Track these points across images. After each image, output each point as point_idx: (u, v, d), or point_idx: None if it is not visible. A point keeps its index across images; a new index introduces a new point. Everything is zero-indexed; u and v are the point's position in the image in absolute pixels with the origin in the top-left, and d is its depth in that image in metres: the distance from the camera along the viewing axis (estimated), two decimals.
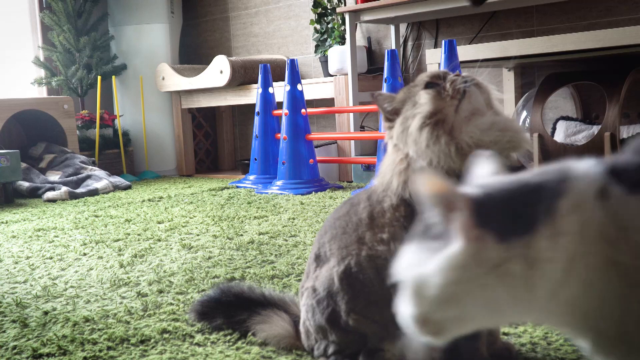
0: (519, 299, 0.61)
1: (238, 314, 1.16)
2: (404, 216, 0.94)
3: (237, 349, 1.11)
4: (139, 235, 2.17)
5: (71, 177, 3.56)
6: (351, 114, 3.45)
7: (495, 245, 0.60)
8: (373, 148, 3.66)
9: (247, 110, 4.49)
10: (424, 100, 0.95)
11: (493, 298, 0.61)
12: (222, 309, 1.18)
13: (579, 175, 0.62)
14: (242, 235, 2.10)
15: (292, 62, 3.22)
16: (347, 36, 3.35)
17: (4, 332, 1.26)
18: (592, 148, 2.62)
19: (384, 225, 0.95)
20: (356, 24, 3.50)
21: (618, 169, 0.62)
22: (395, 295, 0.74)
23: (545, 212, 0.60)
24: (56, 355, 1.12)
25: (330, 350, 0.99)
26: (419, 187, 0.62)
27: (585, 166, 0.63)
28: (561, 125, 2.94)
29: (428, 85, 0.97)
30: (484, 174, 0.72)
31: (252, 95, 3.80)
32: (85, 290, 1.53)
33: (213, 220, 2.40)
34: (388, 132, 1.00)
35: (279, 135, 3.33)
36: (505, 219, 0.61)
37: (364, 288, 0.94)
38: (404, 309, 0.64)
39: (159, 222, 2.41)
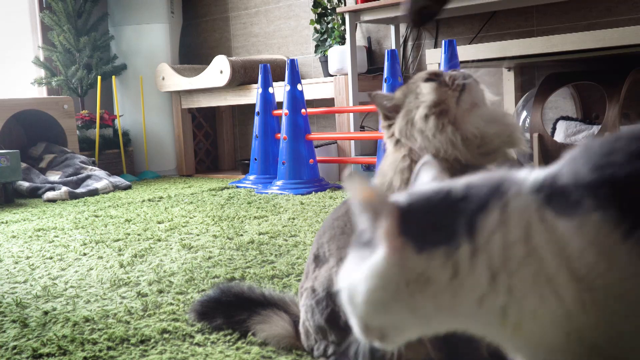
0: (445, 306, 0.60)
1: (238, 314, 1.16)
2: None
3: (237, 349, 1.11)
4: (139, 235, 2.17)
5: (71, 177, 3.56)
6: (351, 114, 3.45)
7: (416, 255, 0.60)
8: (373, 148, 3.67)
9: (247, 110, 4.49)
10: (426, 90, 0.96)
11: (419, 306, 0.60)
12: (222, 309, 1.18)
13: (510, 191, 0.61)
14: (242, 235, 2.10)
15: (292, 62, 3.22)
16: (347, 36, 3.35)
17: (4, 332, 1.26)
18: None
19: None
20: (356, 24, 3.50)
21: (550, 189, 0.61)
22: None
23: (466, 225, 0.60)
24: (56, 355, 1.12)
25: (330, 350, 0.99)
26: (348, 192, 0.62)
27: (518, 182, 0.62)
28: (561, 125, 2.94)
29: (428, 80, 0.98)
30: (425, 180, 0.71)
31: (252, 95, 3.80)
32: (85, 290, 1.53)
33: (213, 220, 2.40)
34: (387, 131, 1.00)
35: (279, 135, 3.33)
36: (425, 229, 0.61)
37: None
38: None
39: (159, 222, 2.41)
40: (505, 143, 0.96)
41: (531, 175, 0.63)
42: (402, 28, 3.66)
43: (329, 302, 0.97)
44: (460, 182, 0.65)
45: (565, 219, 0.58)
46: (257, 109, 3.44)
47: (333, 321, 0.97)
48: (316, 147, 3.45)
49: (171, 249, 1.94)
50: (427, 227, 0.61)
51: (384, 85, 2.97)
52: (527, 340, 0.60)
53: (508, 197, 0.61)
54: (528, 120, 2.98)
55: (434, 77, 0.98)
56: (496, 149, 0.96)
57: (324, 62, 3.76)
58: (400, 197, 0.64)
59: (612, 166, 0.59)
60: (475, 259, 0.59)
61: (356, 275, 0.63)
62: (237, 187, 3.43)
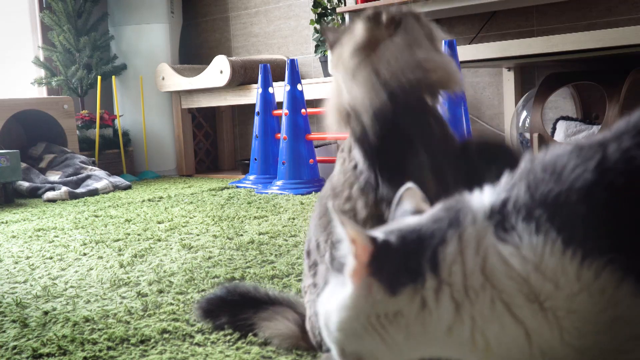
0: (416, 337, 0.62)
1: (243, 312, 1.16)
2: (350, 157, 0.94)
3: (237, 349, 1.11)
4: (139, 235, 2.17)
5: (71, 177, 3.56)
6: None
7: (386, 297, 0.62)
8: None
9: (247, 110, 4.49)
10: (358, 29, 0.96)
11: (391, 336, 0.62)
12: (227, 307, 1.18)
13: (466, 220, 0.63)
14: (242, 235, 2.10)
15: (292, 62, 3.22)
16: None
17: (4, 332, 1.26)
18: None
19: (342, 185, 0.95)
20: None
21: (498, 214, 0.62)
22: None
23: (430, 261, 0.62)
24: (56, 355, 1.12)
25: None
26: (337, 225, 0.64)
27: (474, 208, 0.63)
28: (561, 125, 2.94)
29: (368, 18, 0.97)
30: (405, 209, 0.72)
31: (252, 95, 3.80)
32: (85, 290, 1.53)
33: (213, 220, 2.40)
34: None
35: (279, 135, 3.33)
36: (397, 270, 0.62)
37: None
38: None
39: (159, 222, 2.41)
40: (431, 87, 0.93)
41: (487, 198, 0.64)
42: None
43: None
44: (428, 216, 0.66)
45: (505, 244, 0.60)
46: (257, 109, 3.44)
47: None
48: (316, 147, 3.45)
49: (171, 249, 1.94)
50: (398, 268, 0.62)
51: None
52: None
53: (464, 226, 0.62)
54: (528, 120, 2.98)
55: (372, 15, 0.97)
56: (425, 91, 0.94)
57: (324, 62, 3.76)
58: (378, 234, 0.65)
59: (545, 184, 0.60)
60: (440, 292, 0.61)
61: (331, 303, 0.65)
62: (237, 187, 3.43)
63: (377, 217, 0.91)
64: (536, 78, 3.24)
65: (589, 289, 0.57)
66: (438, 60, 0.94)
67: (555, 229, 0.58)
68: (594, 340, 0.58)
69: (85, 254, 1.93)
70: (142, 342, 1.16)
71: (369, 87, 0.90)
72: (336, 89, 0.98)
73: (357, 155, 0.94)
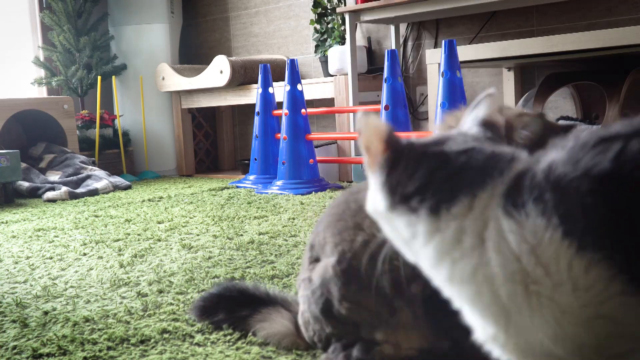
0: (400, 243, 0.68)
1: (240, 310, 1.16)
2: None
3: (237, 349, 1.11)
4: (139, 235, 2.17)
5: (71, 177, 3.56)
6: (351, 114, 3.45)
7: (384, 204, 0.65)
8: None
9: (247, 110, 4.49)
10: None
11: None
12: (223, 304, 1.18)
13: (495, 179, 0.62)
14: (242, 235, 2.10)
15: (292, 62, 3.22)
16: (347, 36, 3.34)
17: (4, 332, 1.26)
18: None
19: None
20: (356, 24, 3.50)
21: (513, 186, 0.61)
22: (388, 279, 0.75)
23: (435, 197, 0.62)
24: (56, 355, 1.12)
25: (332, 347, 0.99)
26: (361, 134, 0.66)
27: (511, 169, 0.63)
28: None
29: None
30: (474, 117, 0.72)
31: (252, 95, 3.80)
32: (85, 290, 1.53)
33: (213, 220, 2.40)
34: None
35: (279, 135, 3.33)
36: (403, 179, 0.64)
37: (357, 274, 0.93)
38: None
39: (159, 222, 2.41)
40: None
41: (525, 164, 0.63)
42: (402, 28, 3.66)
43: (323, 291, 0.96)
44: (483, 145, 0.65)
45: (509, 219, 0.59)
46: (257, 109, 3.44)
47: (328, 310, 0.96)
48: (316, 147, 3.45)
49: (171, 249, 1.94)
50: (406, 180, 0.63)
51: (384, 85, 2.97)
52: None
53: (487, 185, 0.61)
54: None
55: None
56: None
57: (324, 62, 3.76)
58: (418, 140, 0.67)
59: (563, 166, 0.59)
60: (428, 234, 0.62)
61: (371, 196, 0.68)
62: (237, 187, 3.43)
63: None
64: (536, 78, 3.24)
65: (577, 281, 0.56)
66: None
67: (559, 217, 0.57)
68: (572, 333, 0.58)
69: (85, 254, 1.93)
70: (142, 342, 1.16)
71: None
72: None
73: None
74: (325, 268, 0.97)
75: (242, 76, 3.85)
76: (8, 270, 1.77)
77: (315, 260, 1.01)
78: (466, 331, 0.92)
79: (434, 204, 0.61)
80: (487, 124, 0.70)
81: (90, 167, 3.72)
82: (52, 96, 4.07)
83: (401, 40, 3.66)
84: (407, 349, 0.93)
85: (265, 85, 3.41)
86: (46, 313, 1.35)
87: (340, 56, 3.49)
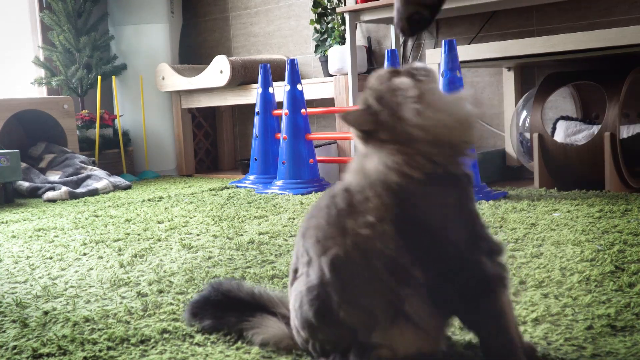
0: None
1: (227, 314, 1.15)
2: (389, 204, 0.93)
3: (237, 349, 1.11)
4: (139, 235, 2.17)
5: (71, 177, 3.56)
6: None
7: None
8: None
9: (247, 110, 4.49)
10: (406, 85, 0.97)
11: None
12: (210, 309, 1.18)
13: None
14: (242, 235, 2.10)
15: (292, 62, 3.22)
16: (347, 36, 3.34)
17: (4, 332, 1.26)
18: (592, 148, 2.62)
19: (367, 210, 0.94)
20: (356, 24, 3.50)
21: None
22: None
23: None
24: (56, 355, 1.12)
25: (320, 347, 0.98)
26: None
27: None
28: (561, 125, 2.94)
29: (397, 75, 0.99)
30: None
31: (252, 95, 3.80)
32: (85, 290, 1.53)
33: (213, 220, 2.40)
34: (366, 142, 0.99)
35: (279, 135, 3.33)
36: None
37: (352, 277, 0.93)
38: None
39: (159, 222, 2.41)
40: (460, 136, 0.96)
41: None
42: None
43: (316, 298, 0.95)
44: None
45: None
46: (257, 108, 3.44)
47: (322, 317, 0.95)
48: (316, 147, 3.45)
49: (171, 249, 1.94)
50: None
51: None
52: None
53: None
54: (528, 120, 2.98)
55: (397, 72, 0.99)
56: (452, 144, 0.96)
57: (324, 62, 3.76)
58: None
59: None
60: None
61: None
62: (237, 187, 3.43)
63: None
64: (536, 78, 3.24)
65: None
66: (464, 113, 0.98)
67: None
68: None
69: (85, 254, 1.93)
70: (142, 342, 1.16)
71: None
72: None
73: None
74: (317, 275, 0.96)
75: (242, 76, 3.85)
76: (8, 270, 1.78)
77: (301, 269, 1.00)
78: (472, 307, 0.92)
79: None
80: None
81: (90, 167, 3.72)
82: (52, 96, 4.07)
83: (401, 40, 3.65)
84: (404, 356, 0.93)
85: (265, 85, 3.41)
86: (46, 313, 1.35)
87: (340, 56, 3.49)
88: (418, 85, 0.96)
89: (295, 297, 1.00)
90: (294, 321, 1.02)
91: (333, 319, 0.94)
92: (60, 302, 1.44)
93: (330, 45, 3.71)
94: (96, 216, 2.63)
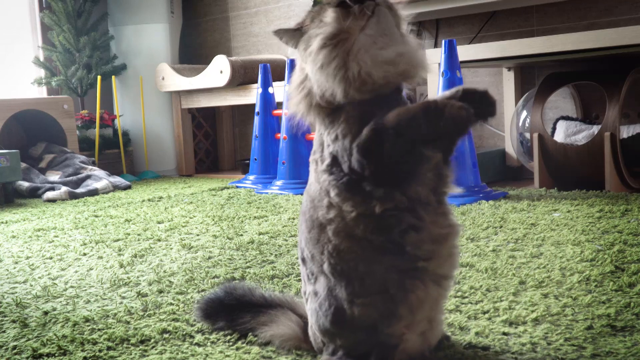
0: None
1: (241, 316, 1.15)
2: (322, 156, 0.94)
3: (237, 349, 1.11)
4: (139, 235, 2.17)
5: (71, 177, 3.56)
6: None
7: None
8: None
9: (247, 110, 4.49)
10: (329, 19, 0.92)
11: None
12: (225, 312, 1.17)
13: None
14: (242, 235, 2.10)
15: (292, 62, 3.22)
16: None
17: (4, 332, 1.26)
18: (592, 148, 2.62)
19: (320, 194, 0.95)
20: None
21: None
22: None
23: None
24: (56, 355, 1.12)
25: (340, 353, 0.97)
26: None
27: None
28: (561, 125, 2.94)
29: (339, 4, 0.92)
30: None
31: (252, 95, 3.80)
32: (85, 290, 1.53)
33: (213, 220, 2.40)
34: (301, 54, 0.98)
35: (279, 135, 3.33)
36: None
37: (351, 267, 0.92)
38: None
39: (159, 222, 2.41)
40: (398, 80, 0.92)
41: None
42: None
43: (331, 301, 0.94)
44: None
45: None
46: (257, 109, 3.44)
47: (339, 321, 0.94)
48: None
49: (171, 249, 1.94)
50: None
51: None
52: None
53: None
54: (528, 120, 2.98)
55: (342, 3, 0.92)
56: (385, 85, 0.92)
57: None
58: None
59: None
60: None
61: None
62: (237, 187, 3.43)
63: (368, 215, 0.91)
64: (536, 78, 3.24)
65: None
66: (405, 52, 0.92)
67: None
68: None
69: (85, 254, 1.93)
70: (142, 342, 1.16)
71: (338, 80, 0.89)
72: (301, 74, 0.97)
73: (329, 138, 0.93)
74: (323, 287, 0.95)
75: (242, 76, 3.84)
76: (8, 270, 1.77)
77: (312, 273, 0.99)
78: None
79: None
80: None
81: (90, 167, 3.72)
82: (52, 96, 4.07)
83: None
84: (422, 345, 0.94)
85: (265, 85, 3.41)
86: (46, 313, 1.35)
87: None
88: (340, 22, 0.90)
89: (311, 313, 0.99)
90: (312, 329, 1.02)
91: (350, 323, 0.93)
92: (60, 302, 1.44)
93: None
94: (96, 216, 2.63)
